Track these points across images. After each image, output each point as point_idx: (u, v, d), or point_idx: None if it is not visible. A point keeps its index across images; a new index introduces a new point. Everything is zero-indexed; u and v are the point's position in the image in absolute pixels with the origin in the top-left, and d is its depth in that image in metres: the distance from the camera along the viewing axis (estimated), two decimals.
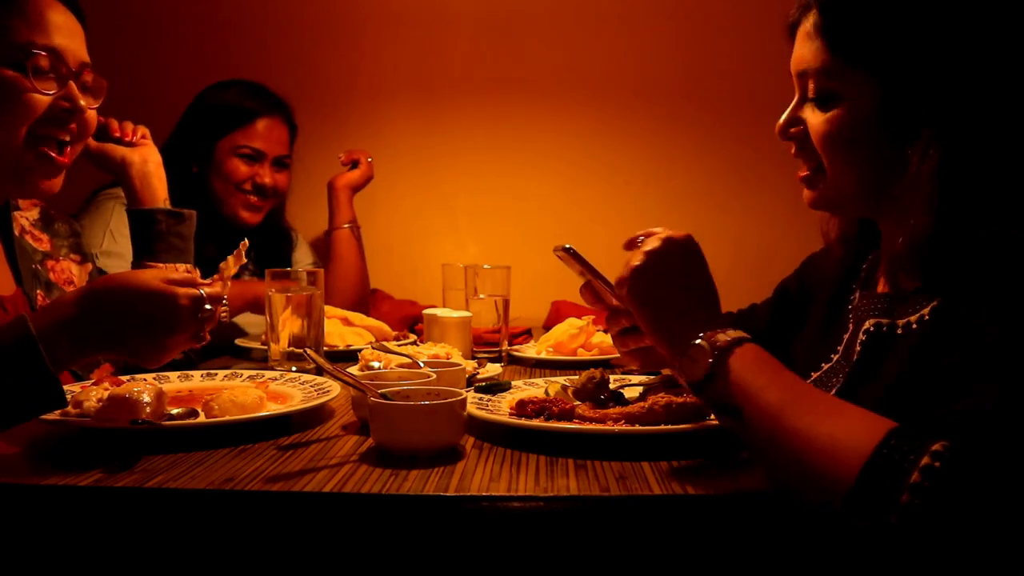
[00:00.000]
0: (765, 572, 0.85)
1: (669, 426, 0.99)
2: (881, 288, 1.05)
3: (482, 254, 2.51)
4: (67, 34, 1.22)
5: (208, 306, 1.08)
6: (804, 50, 0.97)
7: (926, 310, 0.93)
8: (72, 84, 1.21)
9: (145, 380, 1.14)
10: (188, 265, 1.50)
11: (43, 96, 1.18)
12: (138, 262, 1.46)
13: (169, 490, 0.85)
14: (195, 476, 0.88)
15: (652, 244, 0.95)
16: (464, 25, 2.53)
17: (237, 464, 0.93)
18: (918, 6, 0.89)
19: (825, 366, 1.09)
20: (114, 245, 1.76)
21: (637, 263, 0.94)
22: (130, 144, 1.51)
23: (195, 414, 1.06)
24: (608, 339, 1.70)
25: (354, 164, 2.30)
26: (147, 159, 1.51)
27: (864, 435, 0.74)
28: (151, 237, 1.46)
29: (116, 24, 2.45)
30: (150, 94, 2.12)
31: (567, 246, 1.05)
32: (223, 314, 1.14)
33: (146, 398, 1.05)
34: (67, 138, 1.23)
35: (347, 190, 2.26)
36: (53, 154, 1.22)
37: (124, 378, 1.19)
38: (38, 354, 0.95)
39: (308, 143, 2.44)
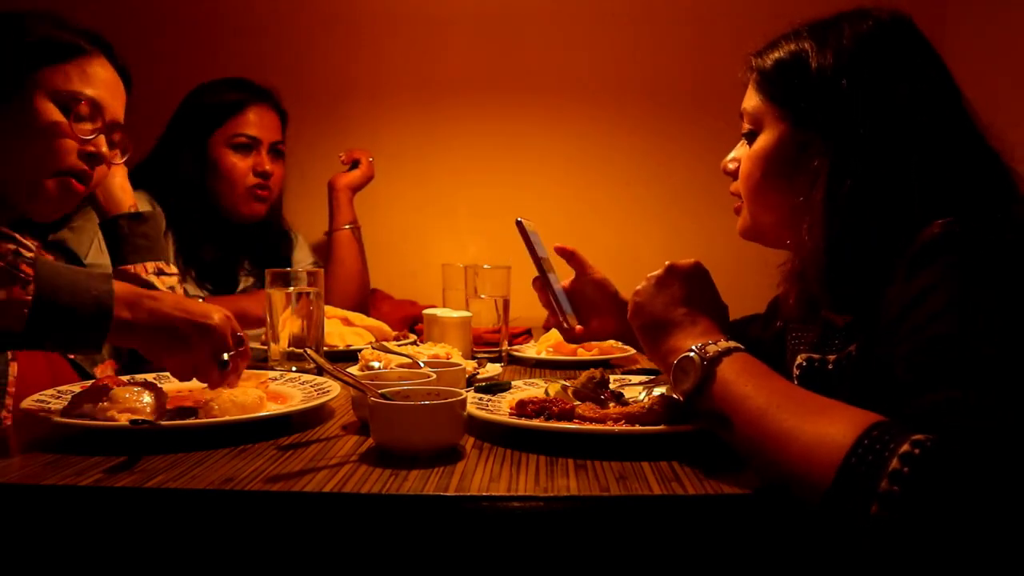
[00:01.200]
0: (764, 572, 0.85)
1: (669, 426, 0.99)
2: (814, 322, 1.11)
3: (482, 254, 2.50)
4: (110, 91, 1.35)
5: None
6: (746, 96, 1.12)
7: (852, 347, 0.98)
8: (102, 137, 1.32)
9: (145, 380, 1.15)
10: (161, 263, 1.52)
11: (75, 140, 1.29)
12: (114, 269, 1.53)
13: (169, 490, 0.85)
14: (195, 476, 0.88)
15: (656, 272, 1.05)
16: (464, 25, 2.53)
17: (237, 464, 0.93)
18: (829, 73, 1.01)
19: None
20: (100, 256, 1.76)
21: (639, 287, 1.05)
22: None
23: (195, 414, 1.06)
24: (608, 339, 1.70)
25: (354, 164, 2.29)
26: (108, 174, 1.54)
27: (847, 429, 0.76)
28: (117, 243, 1.54)
29: (115, 24, 2.44)
30: (149, 94, 2.11)
31: (519, 219, 1.20)
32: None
33: (146, 398, 1.05)
34: (85, 183, 1.33)
35: (347, 190, 2.25)
36: (73, 182, 1.31)
37: (124, 378, 1.19)
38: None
39: (308, 143, 2.44)
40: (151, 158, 2.02)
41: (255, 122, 2.05)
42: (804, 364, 1.06)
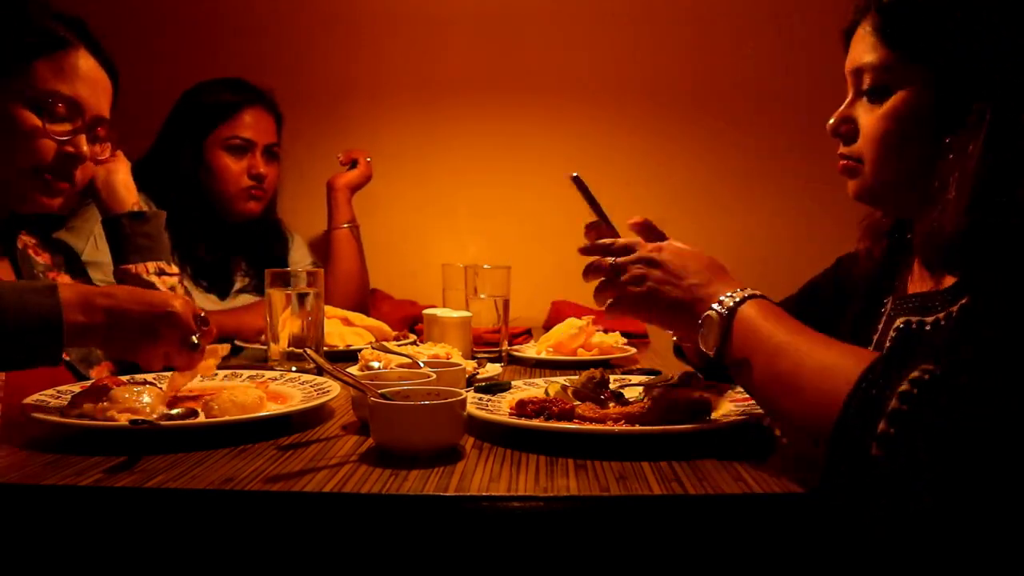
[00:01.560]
0: (764, 572, 0.85)
1: (669, 426, 0.99)
2: (912, 289, 1.09)
3: (482, 254, 2.50)
4: (91, 86, 1.31)
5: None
6: (862, 48, 1.02)
7: (955, 307, 0.97)
8: (83, 136, 1.30)
9: (145, 380, 1.15)
10: (162, 262, 1.52)
11: (52, 141, 1.27)
12: (115, 268, 1.53)
13: (169, 490, 0.85)
14: (195, 476, 0.88)
15: (630, 272, 1.06)
16: (464, 25, 2.53)
17: (237, 464, 0.93)
18: (970, 3, 0.94)
19: None
20: (96, 254, 1.76)
21: (621, 294, 1.06)
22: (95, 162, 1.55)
23: (195, 414, 1.06)
24: (608, 339, 1.71)
25: (353, 164, 2.30)
26: (112, 171, 1.55)
27: (858, 360, 0.78)
28: (119, 242, 1.53)
29: (114, 24, 2.44)
30: (149, 93, 2.11)
31: (575, 175, 1.17)
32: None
33: (146, 398, 1.05)
34: (68, 180, 1.32)
35: (346, 190, 2.25)
36: (54, 180, 1.30)
37: (124, 378, 1.19)
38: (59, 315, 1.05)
39: (307, 143, 2.45)
40: (148, 156, 2.03)
41: (250, 124, 2.05)
42: (902, 327, 1.05)
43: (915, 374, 0.73)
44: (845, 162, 1.07)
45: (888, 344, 1.05)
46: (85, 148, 1.31)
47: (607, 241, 1.12)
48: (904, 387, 0.72)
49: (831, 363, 0.82)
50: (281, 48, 2.52)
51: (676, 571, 0.84)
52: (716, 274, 1.03)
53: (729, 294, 0.97)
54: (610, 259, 1.09)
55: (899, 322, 1.05)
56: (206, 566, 0.85)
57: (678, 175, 2.55)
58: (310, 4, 2.53)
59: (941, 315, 0.99)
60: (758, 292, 0.98)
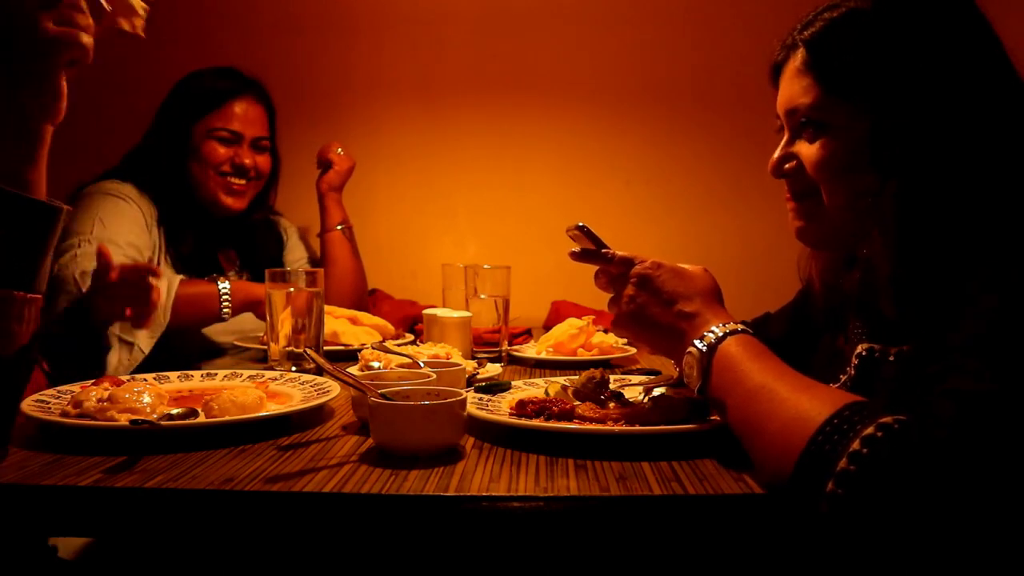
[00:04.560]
0: (765, 572, 0.85)
1: (669, 426, 0.99)
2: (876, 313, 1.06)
3: (482, 254, 2.51)
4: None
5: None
6: (793, 88, 1.00)
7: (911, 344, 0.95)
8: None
9: (145, 380, 1.15)
10: None
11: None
12: None
13: (169, 490, 0.85)
14: (195, 476, 0.88)
15: (626, 290, 1.04)
16: (464, 24, 2.53)
17: (237, 464, 0.93)
18: (901, 45, 0.93)
19: (842, 379, 1.09)
20: (104, 232, 1.75)
21: (618, 312, 1.05)
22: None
23: (195, 414, 1.06)
24: (608, 339, 1.71)
25: (328, 165, 2.25)
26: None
27: (822, 407, 0.77)
28: None
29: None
30: (148, 94, 2.11)
31: (581, 224, 1.10)
32: None
33: (146, 398, 1.05)
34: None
35: (331, 192, 2.23)
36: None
37: (124, 378, 1.19)
38: None
39: (307, 143, 2.44)
40: (140, 145, 2.01)
41: (239, 116, 2.01)
42: (864, 354, 1.02)
43: (869, 430, 0.72)
44: (798, 204, 1.04)
45: (852, 373, 1.03)
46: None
47: (608, 252, 1.09)
48: (855, 446, 0.72)
49: (798, 413, 0.80)
50: (281, 49, 2.52)
51: (676, 571, 0.84)
52: (707, 302, 1.00)
53: (714, 328, 0.95)
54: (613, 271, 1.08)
55: (860, 348, 1.02)
56: (206, 566, 0.85)
57: (679, 175, 2.55)
58: (310, 4, 2.53)
59: (905, 347, 0.96)
60: (742, 327, 0.95)
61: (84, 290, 1.62)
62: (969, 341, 0.78)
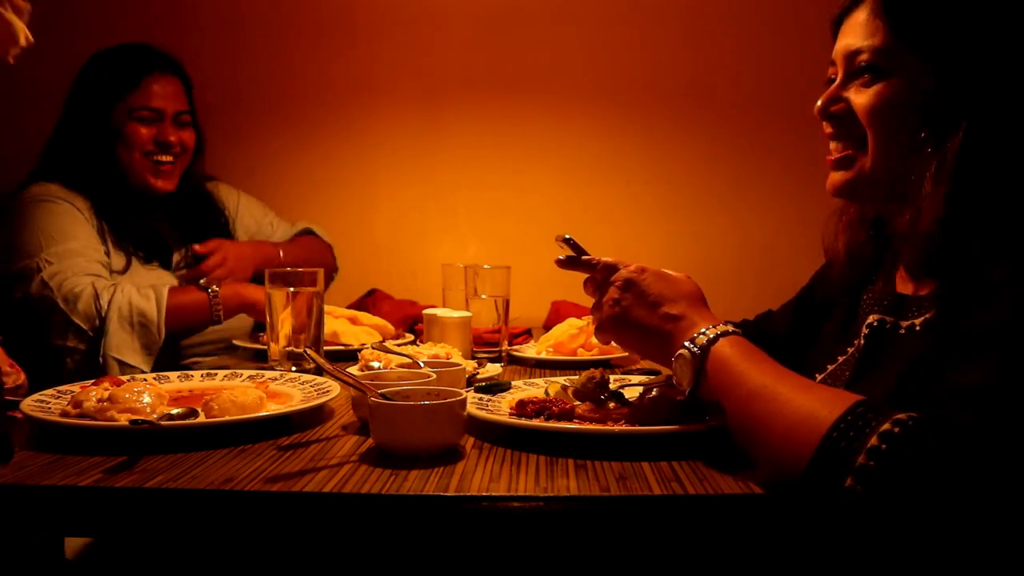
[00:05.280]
0: (764, 572, 0.85)
1: (669, 426, 0.99)
2: (899, 287, 1.06)
3: (482, 254, 2.51)
4: None
5: None
6: (860, 31, 0.98)
7: (929, 314, 0.94)
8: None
9: (145, 380, 1.15)
10: None
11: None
12: None
13: (169, 490, 0.85)
14: (195, 476, 0.88)
15: (609, 294, 1.05)
16: (464, 25, 2.53)
17: (237, 464, 0.93)
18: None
19: (840, 359, 1.10)
20: (59, 247, 1.75)
21: (601, 317, 1.06)
22: None
23: (195, 414, 1.06)
24: None
25: (204, 285, 1.91)
26: None
27: (833, 406, 0.77)
28: None
29: (111, 25, 2.45)
30: None
31: (567, 236, 1.12)
32: None
33: (146, 398, 1.05)
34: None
35: (237, 295, 1.90)
36: None
37: (124, 378, 1.19)
38: None
39: (308, 143, 2.45)
40: (56, 139, 1.95)
41: (158, 93, 1.95)
42: (875, 324, 1.01)
43: (886, 426, 0.72)
44: (840, 153, 1.02)
45: (862, 343, 1.02)
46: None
47: (590, 259, 1.10)
48: (873, 442, 0.72)
49: (806, 413, 0.80)
50: (281, 49, 2.52)
51: (676, 571, 0.84)
52: (693, 306, 1.01)
53: (703, 330, 0.95)
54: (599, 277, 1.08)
55: (872, 319, 1.02)
56: (206, 566, 0.85)
57: (679, 174, 2.55)
58: (310, 4, 2.53)
59: (917, 321, 0.96)
60: (732, 328, 0.96)
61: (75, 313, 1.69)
62: (989, 329, 0.78)
